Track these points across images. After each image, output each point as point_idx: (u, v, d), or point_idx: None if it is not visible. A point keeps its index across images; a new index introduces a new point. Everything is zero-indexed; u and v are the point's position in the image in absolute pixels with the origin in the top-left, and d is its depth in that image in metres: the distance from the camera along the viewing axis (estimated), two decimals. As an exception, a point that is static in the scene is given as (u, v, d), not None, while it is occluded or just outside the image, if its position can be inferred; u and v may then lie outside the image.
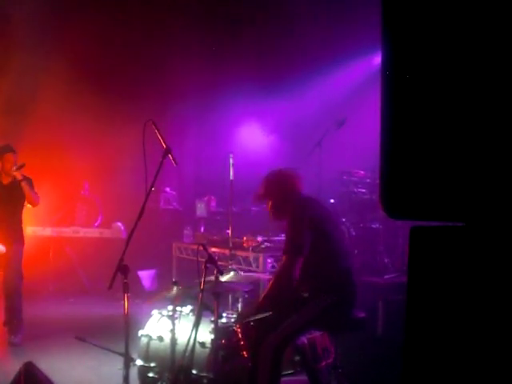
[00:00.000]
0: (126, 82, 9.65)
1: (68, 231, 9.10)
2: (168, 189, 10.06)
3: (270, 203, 4.03)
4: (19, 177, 5.90)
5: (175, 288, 3.88)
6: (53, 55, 9.01)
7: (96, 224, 9.50)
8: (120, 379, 3.35)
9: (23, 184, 5.93)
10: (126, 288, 3.30)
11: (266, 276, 5.64)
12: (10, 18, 8.71)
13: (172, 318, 3.97)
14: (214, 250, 6.41)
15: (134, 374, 3.92)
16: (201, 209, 8.44)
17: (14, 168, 5.89)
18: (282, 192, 3.97)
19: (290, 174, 4.07)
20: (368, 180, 7.47)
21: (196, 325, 3.56)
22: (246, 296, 4.53)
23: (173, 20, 9.51)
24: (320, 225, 3.85)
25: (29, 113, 9.03)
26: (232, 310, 4.50)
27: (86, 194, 9.72)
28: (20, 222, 6.15)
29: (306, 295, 3.83)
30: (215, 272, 3.73)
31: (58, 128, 9.16)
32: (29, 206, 6.15)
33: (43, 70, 8.95)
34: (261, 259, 6.08)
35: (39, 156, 8.30)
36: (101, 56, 9.20)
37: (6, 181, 6.03)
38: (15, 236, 6.07)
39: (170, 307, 4.08)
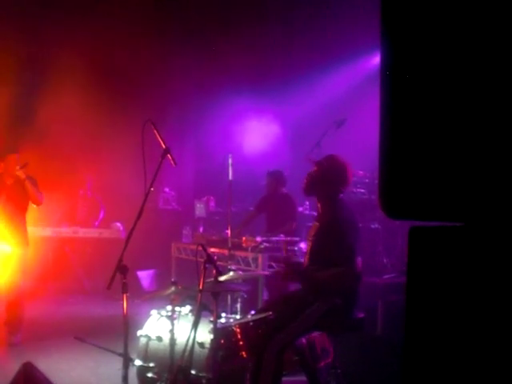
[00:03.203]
0: (125, 83, 9.64)
1: (67, 231, 9.10)
2: (167, 189, 10.06)
3: (314, 174, 4.05)
4: (22, 176, 5.89)
5: (174, 288, 3.88)
6: (52, 56, 9.01)
7: (97, 223, 9.50)
8: (119, 379, 3.35)
9: (26, 183, 5.92)
10: (125, 288, 3.30)
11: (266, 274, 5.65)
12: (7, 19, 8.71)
13: (171, 318, 3.97)
14: (212, 250, 6.40)
15: (132, 374, 3.92)
16: (200, 209, 8.44)
17: (18, 167, 5.88)
18: (330, 175, 3.99)
19: (348, 168, 4.07)
20: (367, 180, 7.47)
21: (195, 325, 3.56)
22: (245, 296, 4.53)
23: (172, 20, 9.51)
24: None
25: (29, 113, 9.02)
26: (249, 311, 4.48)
27: (86, 194, 9.72)
28: (24, 222, 6.17)
29: (310, 298, 3.85)
30: (214, 272, 3.73)
31: (57, 128, 9.15)
32: (33, 206, 6.17)
33: (43, 71, 8.95)
34: (260, 259, 6.07)
35: (39, 157, 8.28)
36: (100, 57, 9.20)
37: (9, 182, 6.03)
38: (20, 237, 6.09)
39: (169, 307, 4.07)
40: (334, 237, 3.83)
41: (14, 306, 6.02)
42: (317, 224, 4.06)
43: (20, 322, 6.04)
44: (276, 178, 7.16)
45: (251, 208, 7.67)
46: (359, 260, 3.79)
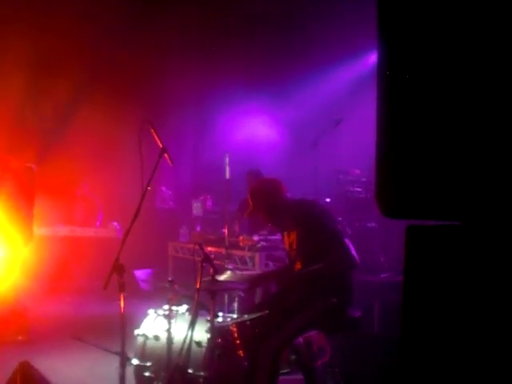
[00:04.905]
0: (124, 83, 9.64)
1: (64, 230, 9.09)
2: (164, 188, 10.05)
3: (263, 214, 4.11)
4: None
5: (171, 287, 3.88)
6: (51, 56, 9.00)
7: (98, 223, 9.49)
8: (116, 378, 3.35)
9: None
10: (121, 287, 3.29)
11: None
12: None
13: (168, 317, 3.97)
14: (210, 249, 6.40)
15: (130, 373, 3.91)
16: (197, 208, 8.43)
17: None
18: (269, 200, 4.03)
19: (270, 180, 4.16)
20: (364, 179, 7.48)
21: (192, 324, 3.56)
22: (242, 295, 4.53)
23: (171, 21, 9.51)
24: None
25: (28, 113, 9.02)
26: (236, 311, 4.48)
27: (84, 194, 9.71)
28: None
29: (305, 296, 3.85)
30: (211, 271, 3.73)
31: (55, 128, 9.15)
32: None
33: (42, 71, 8.94)
34: (257, 258, 6.07)
35: (37, 157, 8.29)
36: (100, 58, 9.20)
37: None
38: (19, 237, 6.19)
39: (166, 306, 4.07)
40: (314, 228, 3.86)
41: (10, 305, 6.02)
42: (290, 233, 4.06)
43: (17, 321, 6.03)
44: (255, 176, 7.16)
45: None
46: (348, 241, 3.77)
